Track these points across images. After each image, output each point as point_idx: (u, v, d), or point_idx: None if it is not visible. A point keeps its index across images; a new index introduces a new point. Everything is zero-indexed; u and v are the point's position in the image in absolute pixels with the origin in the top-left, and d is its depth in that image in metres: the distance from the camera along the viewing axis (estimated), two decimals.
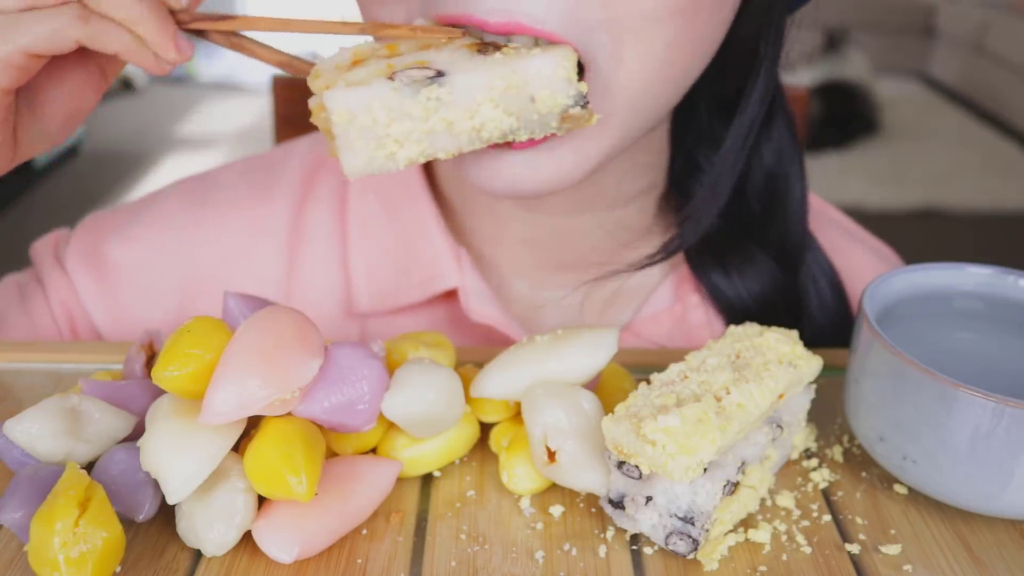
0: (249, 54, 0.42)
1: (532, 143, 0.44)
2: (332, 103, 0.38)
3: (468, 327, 0.59)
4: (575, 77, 0.41)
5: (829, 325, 0.60)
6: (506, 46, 0.41)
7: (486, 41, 0.41)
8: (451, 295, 0.59)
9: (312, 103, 0.40)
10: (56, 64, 0.45)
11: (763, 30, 0.51)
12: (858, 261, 0.65)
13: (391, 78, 0.38)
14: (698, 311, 0.59)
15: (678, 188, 0.60)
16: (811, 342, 0.57)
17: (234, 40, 0.42)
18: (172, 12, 0.41)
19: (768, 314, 0.58)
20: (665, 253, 0.55)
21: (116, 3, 0.39)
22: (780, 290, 0.59)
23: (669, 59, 0.45)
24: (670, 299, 0.60)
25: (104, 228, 0.61)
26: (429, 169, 0.61)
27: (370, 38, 0.43)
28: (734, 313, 0.59)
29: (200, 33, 0.42)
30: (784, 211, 0.59)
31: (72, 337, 0.60)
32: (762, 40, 0.51)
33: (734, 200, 0.57)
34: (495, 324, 0.57)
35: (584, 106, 0.42)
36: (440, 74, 0.39)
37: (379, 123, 0.38)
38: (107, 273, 0.60)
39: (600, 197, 0.57)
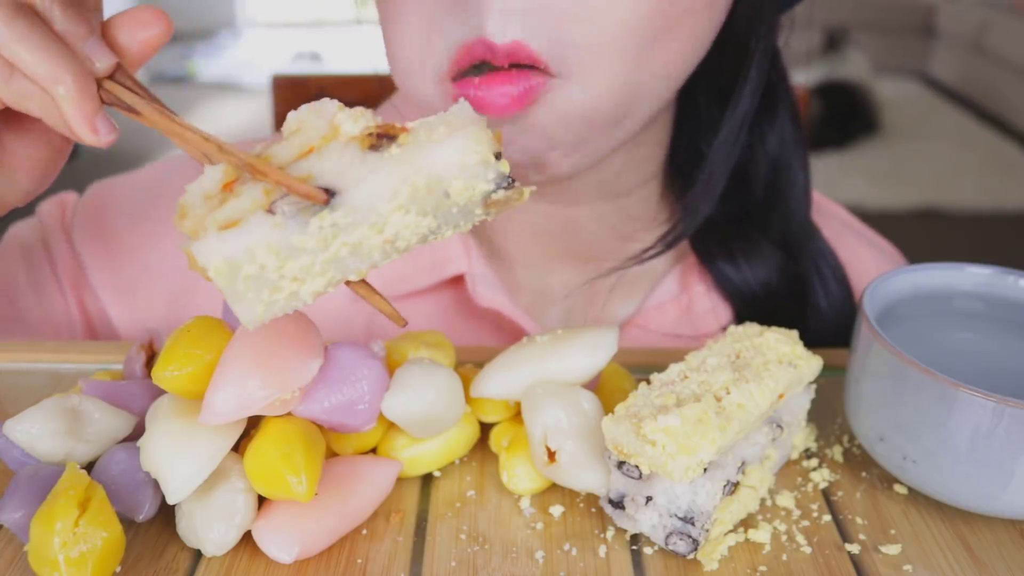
0: (175, 138, 0.35)
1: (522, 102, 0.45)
2: (205, 258, 0.31)
3: (475, 313, 0.59)
4: (491, 157, 0.34)
5: (833, 316, 0.60)
6: (402, 130, 0.34)
7: (377, 130, 0.34)
8: (458, 281, 0.59)
9: (190, 252, 0.32)
10: (13, 114, 0.41)
11: (754, 26, 0.52)
12: (859, 255, 0.66)
13: (270, 210, 0.32)
14: (704, 300, 0.60)
15: (681, 176, 0.61)
16: (816, 332, 0.57)
17: (165, 123, 0.36)
18: (98, 84, 0.36)
19: (774, 302, 0.59)
20: (664, 245, 0.56)
21: (35, 60, 0.35)
22: (785, 277, 0.60)
23: (648, 58, 0.46)
24: (676, 289, 0.60)
25: (110, 202, 0.61)
26: None
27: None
28: (741, 300, 0.59)
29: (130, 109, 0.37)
30: (786, 199, 0.60)
31: (82, 316, 0.60)
32: (753, 36, 0.52)
33: (739, 188, 0.58)
34: (502, 309, 0.57)
35: (510, 186, 0.35)
36: (331, 194, 0.32)
37: (268, 268, 0.32)
38: (113, 249, 0.59)
39: (601, 187, 0.57)
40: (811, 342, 0.56)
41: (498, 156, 0.35)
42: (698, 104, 0.59)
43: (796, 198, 0.60)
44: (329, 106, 0.34)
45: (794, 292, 0.60)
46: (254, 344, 0.38)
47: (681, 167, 0.60)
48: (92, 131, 0.36)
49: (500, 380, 0.43)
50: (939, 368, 0.40)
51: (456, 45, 0.45)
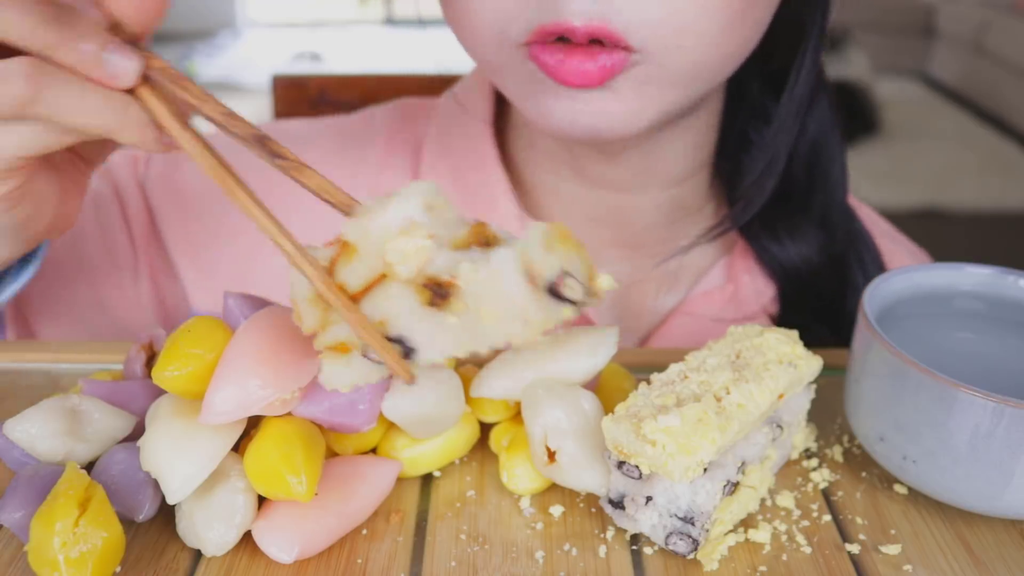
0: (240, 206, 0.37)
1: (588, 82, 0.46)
2: (330, 381, 0.36)
3: None
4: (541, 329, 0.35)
5: None
6: (450, 285, 0.34)
7: (428, 282, 0.35)
8: None
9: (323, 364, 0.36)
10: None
11: (809, 8, 0.54)
12: (890, 250, 0.67)
13: (366, 355, 0.36)
14: (749, 287, 0.62)
15: (730, 165, 0.62)
16: (853, 313, 0.59)
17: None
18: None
19: (816, 280, 0.61)
20: (728, 225, 0.58)
21: (74, 106, 0.34)
22: (827, 256, 0.61)
23: (724, 40, 0.48)
24: (722, 279, 0.62)
25: (183, 159, 0.62)
26: (504, 146, 0.63)
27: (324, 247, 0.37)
28: (785, 277, 0.61)
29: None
30: (826, 180, 0.62)
31: (148, 268, 0.61)
32: (808, 15, 0.54)
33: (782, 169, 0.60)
34: None
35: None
36: (408, 350, 0.36)
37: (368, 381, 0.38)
38: (186, 206, 0.60)
39: (656, 175, 0.59)
40: (849, 323, 0.56)
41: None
42: (750, 90, 0.60)
43: (835, 179, 0.62)
44: (376, 228, 0.35)
45: (835, 271, 0.61)
46: (254, 344, 0.38)
47: (731, 155, 0.61)
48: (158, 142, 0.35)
49: (500, 380, 0.43)
50: (939, 368, 0.40)
51: (535, 23, 0.46)
